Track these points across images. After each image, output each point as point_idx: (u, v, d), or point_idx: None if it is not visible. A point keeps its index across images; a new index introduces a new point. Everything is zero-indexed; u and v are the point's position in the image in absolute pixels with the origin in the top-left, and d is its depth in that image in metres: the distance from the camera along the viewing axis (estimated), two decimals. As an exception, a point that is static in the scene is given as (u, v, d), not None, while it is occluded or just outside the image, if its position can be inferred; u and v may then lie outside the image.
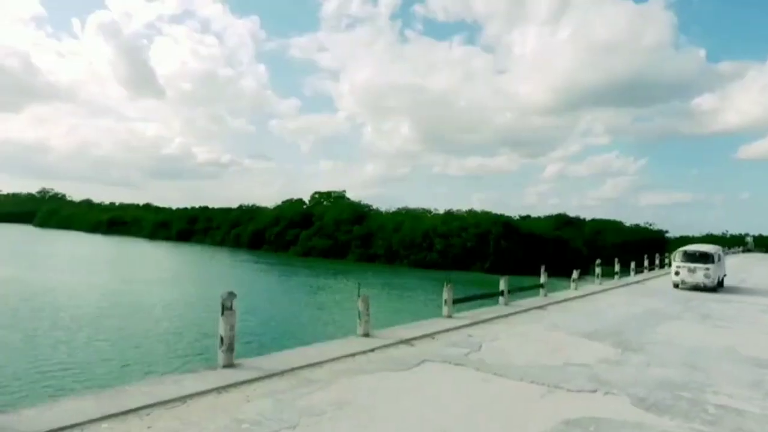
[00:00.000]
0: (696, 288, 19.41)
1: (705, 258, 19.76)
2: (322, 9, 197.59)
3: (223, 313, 7.18)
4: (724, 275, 21.68)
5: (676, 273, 19.96)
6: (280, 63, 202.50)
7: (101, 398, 5.77)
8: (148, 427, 5.14)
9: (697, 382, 7.58)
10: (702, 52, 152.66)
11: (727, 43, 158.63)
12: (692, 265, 19.58)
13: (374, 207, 74.06)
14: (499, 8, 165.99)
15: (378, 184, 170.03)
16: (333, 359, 7.93)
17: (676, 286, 20.00)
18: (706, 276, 19.26)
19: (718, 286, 20.33)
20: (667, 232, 78.04)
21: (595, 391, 7.00)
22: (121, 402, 5.64)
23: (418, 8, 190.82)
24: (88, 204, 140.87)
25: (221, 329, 7.18)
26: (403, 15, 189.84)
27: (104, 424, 5.14)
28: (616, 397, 6.76)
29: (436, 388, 6.89)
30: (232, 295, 7.27)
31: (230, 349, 7.22)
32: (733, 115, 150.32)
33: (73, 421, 5.09)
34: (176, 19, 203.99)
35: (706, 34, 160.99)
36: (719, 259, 20.42)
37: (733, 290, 20.80)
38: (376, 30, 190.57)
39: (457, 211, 65.31)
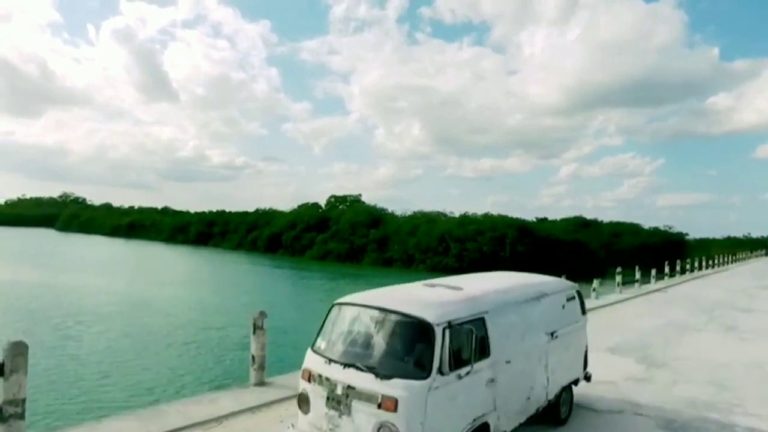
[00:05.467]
0: None
1: (392, 356, 4.63)
2: (331, 12, 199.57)
3: (254, 333, 7.36)
4: (574, 381, 6.91)
5: (304, 402, 4.92)
6: (292, 66, 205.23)
7: (142, 419, 5.99)
8: (189, 449, 5.33)
9: (725, 402, 7.57)
10: (715, 51, 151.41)
11: (741, 42, 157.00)
12: (340, 383, 4.58)
13: (389, 210, 74.41)
14: (507, 9, 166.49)
15: (391, 186, 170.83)
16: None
17: None
18: None
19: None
20: (686, 234, 77.26)
21: (622, 411, 7.05)
22: (162, 422, 5.85)
23: (424, 10, 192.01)
24: (107, 208, 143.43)
25: (253, 348, 7.37)
26: (410, 18, 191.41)
27: (147, 446, 5.35)
28: (643, 418, 6.80)
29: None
30: (263, 314, 7.45)
31: (261, 367, 7.41)
32: (749, 113, 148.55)
33: (117, 443, 5.31)
34: (189, 24, 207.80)
35: (719, 33, 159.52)
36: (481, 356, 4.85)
37: None
38: (384, 33, 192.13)
39: (473, 214, 65.29)
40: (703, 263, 36.58)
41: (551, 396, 6.19)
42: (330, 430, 4.57)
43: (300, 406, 4.92)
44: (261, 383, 7.35)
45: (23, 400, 5.14)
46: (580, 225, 69.74)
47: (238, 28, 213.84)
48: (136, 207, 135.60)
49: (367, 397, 4.33)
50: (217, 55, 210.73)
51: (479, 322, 4.86)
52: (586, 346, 7.23)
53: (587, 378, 7.22)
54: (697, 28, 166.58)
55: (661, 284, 25.07)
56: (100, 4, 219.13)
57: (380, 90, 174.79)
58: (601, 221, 76.22)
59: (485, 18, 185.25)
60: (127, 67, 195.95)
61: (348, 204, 79.80)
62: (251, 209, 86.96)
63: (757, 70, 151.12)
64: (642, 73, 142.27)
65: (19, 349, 5.14)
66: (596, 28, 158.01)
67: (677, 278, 29.24)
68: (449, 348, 4.42)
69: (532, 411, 5.77)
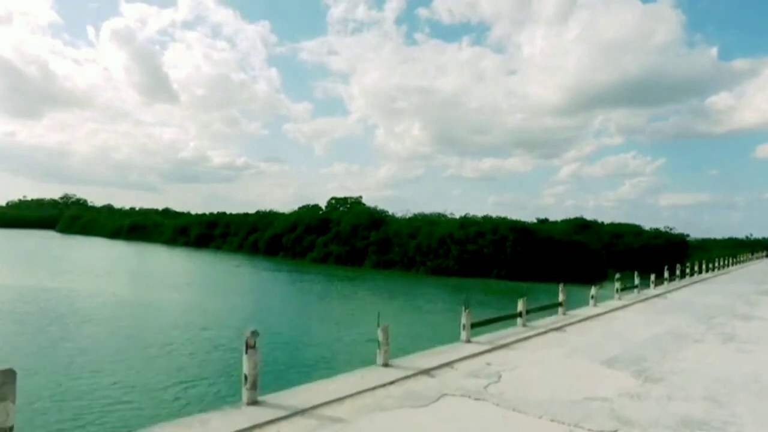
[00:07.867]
0: None
1: None
2: (329, 13, 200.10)
3: (246, 352, 7.33)
4: None
5: None
6: (291, 67, 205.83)
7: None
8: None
9: (719, 420, 7.52)
10: (714, 50, 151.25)
11: (740, 41, 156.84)
12: None
13: (390, 212, 74.46)
14: (505, 9, 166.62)
15: (392, 186, 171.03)
16: (354, 394, 8.04)
17: None
18: None
19: None
20: (687, 236, 77.18)
21: (616, 431, 7.00)
22: (151, 448, 5.81)
23: (422, 11, 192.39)
24: (108, 209, 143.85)
25: (245, 367, 7.34)
26: (408, 19, 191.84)
27: (136, 473, 5.31)
28: (637, 438, 6.76)
29: (456, 427, 6.95)
30: (255, 333, 7.41)
31: (254, 387, 7.38)
32: (750, 113, 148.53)
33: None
34: (188, 24, 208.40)
35: (718, 32, 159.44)
36: None
37: None
38: (382, 33, 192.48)
39: (473, 215, 65.32)
40: (703, 266, 36.45)
41: None
42: None
43: None
44: (254, 402, 7.32)
45: (11, 428, 5.13)
46: (581, 226, 69.72)
47: (238, 28, 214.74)
48: (137, 208, 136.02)
49: None
50: (217, 55, 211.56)
51: None
52: None
53: None
54: (697, 28, 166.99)
55: (660, 289, 25.01)
56: (100, 5, 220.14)
57: (380, 90, 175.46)
58: (602, 222, 76.41)
59: (484, 18, 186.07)
60: (127, 68, 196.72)
61: (349, 206, 79.86)
62: (253, 210, 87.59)
63: (756, 68, 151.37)
64: (642, 73, 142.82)
65: (7, 378, 5.13)
66: (595, 27, 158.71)
67: (677, 282, 29.16)
68: None
69: None
